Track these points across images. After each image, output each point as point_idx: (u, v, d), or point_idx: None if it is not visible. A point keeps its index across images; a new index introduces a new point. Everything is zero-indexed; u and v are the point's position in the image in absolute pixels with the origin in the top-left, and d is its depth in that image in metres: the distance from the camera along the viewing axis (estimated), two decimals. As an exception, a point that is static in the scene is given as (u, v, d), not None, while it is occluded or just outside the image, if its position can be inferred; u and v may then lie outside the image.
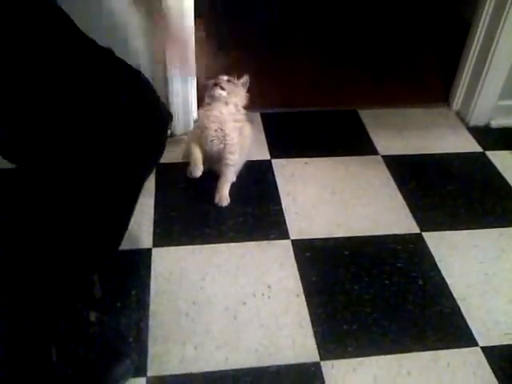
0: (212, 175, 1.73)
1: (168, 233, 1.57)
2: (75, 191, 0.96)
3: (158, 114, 1.10)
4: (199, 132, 1.64)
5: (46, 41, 0.97)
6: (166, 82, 1.81)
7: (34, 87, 0.93)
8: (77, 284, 1.24)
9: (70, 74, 0.97)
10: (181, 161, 1.80)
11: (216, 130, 1.61)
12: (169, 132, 1.17)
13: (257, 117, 2.06)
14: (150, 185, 1.72)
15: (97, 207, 0.99)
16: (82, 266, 1.12)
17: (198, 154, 1.64)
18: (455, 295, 1.42)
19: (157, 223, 1.59)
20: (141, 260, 1.48)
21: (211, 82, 1.62)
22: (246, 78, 1.61)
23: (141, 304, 1.36)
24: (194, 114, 1.93)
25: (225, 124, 1.61)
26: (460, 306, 1.40)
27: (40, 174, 0.95)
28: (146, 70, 1.78)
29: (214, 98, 1.61)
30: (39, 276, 1.09)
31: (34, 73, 0.94)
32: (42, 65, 0.95)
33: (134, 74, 1.08)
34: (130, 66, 1.08)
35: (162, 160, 1.88)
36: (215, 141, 1.62)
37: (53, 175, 0.95)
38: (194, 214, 1.64)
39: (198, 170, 1.63)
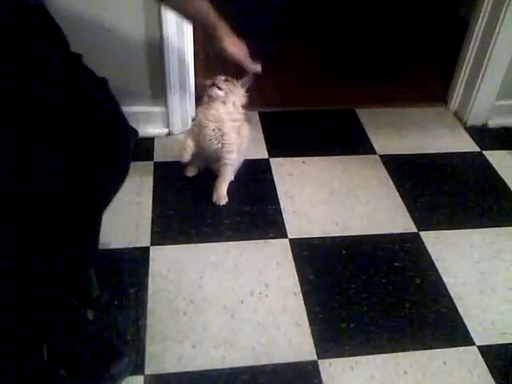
0: (209, 174, 1.73)
1: (166, 231, 1.57)
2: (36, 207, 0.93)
3: (122, 131, 1.07)
4: (197, 130, 1.64)
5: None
6: (164, 80, 1.81)
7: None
8: (70, 281, 1.24)
9: (28, 74, 0.92)
10: (178, 159, 1.80)
11: (214, 129, 1.61)
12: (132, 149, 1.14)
13: (255, 116, 2.06)
14: (147, 183, 1.72)
15: (61, 225, 0.98)
16: (67, 268, 1.10)
17: (189, 142, 1.64)
18: (452, 294, 1.43)
19: (154, 222, 1.59)
20: (138, 258, 1.48)
21: (209, 81, 1.61)
22: (246, 78, 1.61)
23: (138, 302, 1.36)
24: (192, 113, 1.93)
25: (223, 123, 1.61)
26: (457, 305, 1.40)
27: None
28: (144, 67, 1.79)
29: (211, 98, 1.61)
30: (34, 274, 1.09)
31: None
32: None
33: (99, 83, 1.04)
34: (94, 73, 1.04)
35: (160, 159, 1.90)
36: (213, 140, 1.62)
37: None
38: (192, 213, 1.64)
39: (187, 155, 1.64)
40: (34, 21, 0.95)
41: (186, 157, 1.65)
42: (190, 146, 1.64)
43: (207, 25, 1.39)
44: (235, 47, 1.45)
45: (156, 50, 1.75)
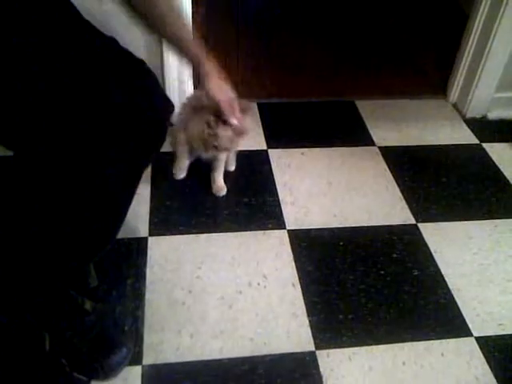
0: (206, 165, 1.72)
1: (164, 222, 1.56)
2: (73, 179, 0.96)
3: (160, 104, 1.09)
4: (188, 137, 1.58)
5: (47, 26, 0.97)
6: (162, 74, 1.80)
7: (34, 73, 0.92)
8: (73, 273, 1.24)
9: (72, 60, 0.96)
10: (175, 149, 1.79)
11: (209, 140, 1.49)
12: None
13: (254, 107, 2.05)
14: (146, 174, 1.70)
15: (94, 196, 0.99)
16: (78, 255, 1.11)
17: (183, 159, 1.68)
18: (450, 285, 1.43)
19: (153, 212, 1.59)
20: (137, 249, 1.47)
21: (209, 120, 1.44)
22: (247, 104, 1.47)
23: (137, 293, 1.36)
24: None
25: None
26: (455, 296, 1.41)
27: (38, 161, 0.95)
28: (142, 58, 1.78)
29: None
30: (34, 265, 1.09)
31: (35, 59, 0.93)
32: (43, 51, 0.94)
33: (137, 63, 1.07)
34: (132, 54, 1.07)
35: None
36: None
37: (51, 163, 0.94)
38: (190, 204, 1.63)
39: (182, 174, 1.70)
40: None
41: (181, 175, 1.70)
42: (183, 163, 1.68)
43: (188, 57, 1.22)
44: (219, 91, 1.28)
45: (155, 50, 1.74)
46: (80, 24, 1.06)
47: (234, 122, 1.33)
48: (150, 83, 1.08)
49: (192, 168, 1.75)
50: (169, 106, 1.14)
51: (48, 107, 0.92)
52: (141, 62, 1.08)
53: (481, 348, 1.29)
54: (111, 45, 1.07)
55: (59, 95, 0.93)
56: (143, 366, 1.21)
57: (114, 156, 0.97)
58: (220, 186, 1.66)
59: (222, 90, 1.28)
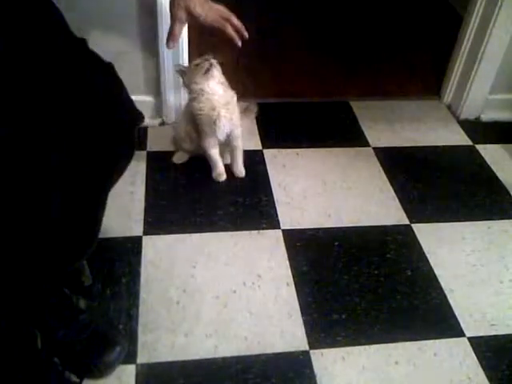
0: (202, 163, 1.72)
1: (158, 221, 1.56)
2: (40, 188, 0.92)
3: (125, 114, 1.06)
4: (203, 120, 1.60)
5: (9, 22, 0.91)
6: (158, 71, 1.80)
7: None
8: (64, 270, 1.23)
9: (34, 61, 0.92)
10: (172, 149, 1.80)
11: (225, 116, 1.59)
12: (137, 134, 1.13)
13: (255, 108, 2.04)
14: (140, 173, 1.72)
15: (65, 205, 0.95)
16: (60, 257, 1.09)
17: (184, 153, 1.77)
18: (443, 286, 1.44)
19: (147, 211, 1.59)
20: (131, 248, 1.47)
21: (203, 61, 1.55)
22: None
23: (131, 291, 1.36)
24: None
25: (230, 105, 1.60)
26: (448, 296, 1.41)
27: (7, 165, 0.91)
28: (138, 59, 1.78)
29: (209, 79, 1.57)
30: (25, 263, 1.08)
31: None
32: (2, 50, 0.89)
33: (105, 67, 1.03)
34: (100, 58, 1.03)
35: (153, 149, 1.90)
36: (226, 125, 1.61)
37: (17, 167, 0.90)
38: (185, 203, 1.63)
39: (183, 158, 1.77)
40: (35, 5, 0.95)
41: (182, 160, 1.75)
42: (184, 150, 1.73)
43: None
44: (210, 12, 1.27)
45: (150, 41, 1.74)
46: (48, 21, 0.99)
47: (236, 39, 1.34)
48: (116, 90, 1.04)
49: (186, 168, 1.76)
50: (136, 116, 1.11)
51: (5, 111, 0.87)
52: (109, 67, 1.04)
53: (473, 348, 1.30)
54: (78, 46, 1.02)
55: (18, 97, 0.88)
56: (137, 365, 1.21)
57: (79, 162, 0.94)
58: (242, 166, 1.74)
59: (213, 9, 1.28)
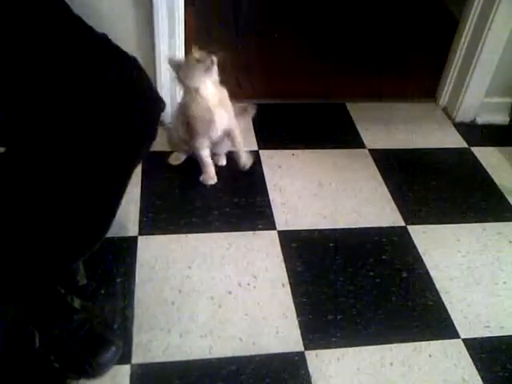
0: (197, 164, 1.72)
1: (154, 221, 1.56)
2: (62, 176, 0.95)
3: (152, 102, 1.09)
4: (197, 120, 1.60)
5: (37, 22, 0.96)
6: (154, 71, 1.79)
7: (22, 70, 0.92)
8: (62, 271, 1.23)
9: (61, 57, 0.96)
10: (168, 150, 1.79)
11: (223, 116, 1.59)
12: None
13: (253, 109, 2.04)
14: (136, 173, 1.70)
15: (84, 194, 0.98)
16: (68, 253, 1.11)
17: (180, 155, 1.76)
18: (438, 288, 1.44)
19: (143, 211, 1.58)
20: (126, 248, 1.47)
21: (206, 56, 1.53)
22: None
23: (126, 292, 1.35)
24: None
25: (226, 106, 1.60)
26: (443, 298, 1.42)
27: (28, 157, 0.94)
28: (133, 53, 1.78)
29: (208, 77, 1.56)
30: (22, 262, 1.08)
31: (24, 54, 0.92)
32: (32, 46, 0.93)
33: (129, 61, 1.06)
34: (124, 52, 1.07)
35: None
36: (223, 126, 1.62)
37: (40, 159, 0.94)
38: (180, 203, 1.63)
39: (177, 161, 1.76)
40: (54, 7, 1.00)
41: (178, 161, 1.75)
42: (178, 153, 1.74)
43: None
44: None
45: (146, 42, 1.74)
46: (70, 19, 1.05)
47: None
48: (141, 81, 1.07)
49: (182, 168, 1.76)
50: (160, 104, 1.13)
51: (37, 104, 0.91)
52: (133, 59, 1.07)
53: (468, 350, 1.30)
54: (102, 41, 1.06)
55: (49, 92, 0.92)
56: (132, 365, 1.21)
57: (103, 154, 0.97)
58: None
59: None
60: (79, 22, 1.06)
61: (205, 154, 1.67)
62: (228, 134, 1.67)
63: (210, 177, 1.69)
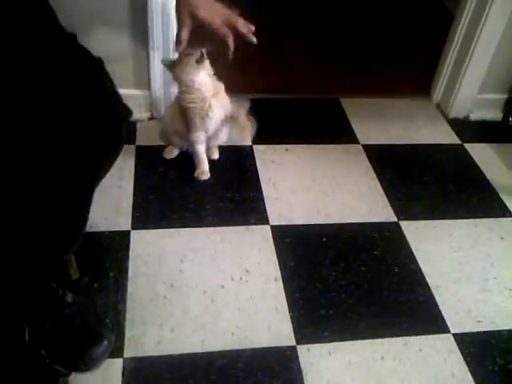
0: (190, 159, 1.72)
1: (147, 215, 1.56)
2: (28, 182, 0.92)
3: (116, 108, 1.07)
4: (194, 113, 1.60)
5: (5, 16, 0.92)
6: (148, 64, 1.79)
7: None
8: (52, 264, 1.23)
9: (22, 56, 0.93)
10: (161, 144, 1.79)
11: (216, 106, 1.60)
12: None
13: (247, 103, 2.04)
14: (129, 167, 1.71)
15: (51, 199, 0.95)
16: (43, 254, 1.09)
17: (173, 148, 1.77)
18: (429, 283, 1.45)
19: (135, 206, 1.58)
20: (119, 242, 1.47)
21: (194, 51, 1.52)
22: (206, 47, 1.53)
23: (118, 286, 1.36)
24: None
25: (221, 96, 1.62)
26: (434, 293, 1.43)
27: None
28: (128, 53, 1.77)
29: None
30: (13, 256, 1.08)
31: None
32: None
33: (95, 63, 1.03)
34: (90, 53, 1.03)
35: (142, 143, 1.89)
36: (218, 116, 1.63)
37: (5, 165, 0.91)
38: (173, 198, 1.63)
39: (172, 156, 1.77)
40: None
41: (172, 155, 1.75)
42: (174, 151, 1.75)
43: None
44: (216, 16, 1.19)
45: (140, 36, 1.73)
46: (37, 14, 1.00)
47: (231, 44, 1.25)
48: (104, 85, 1.04)
49: (175, 163, 1.75)
50: (124, 111, 1.11)
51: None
52: (98, 62, 1.04)
53: (458, 344, 1.31)
54: (68, 41, 1.02)
55: (5, 94, 0.89)
56: (124, 359, 1.21)
57: (66, 156, 0.94)
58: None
59: (216, 12, 1.19)
60: (47, 18, 1.02)
61: (201, 149, 1.68)
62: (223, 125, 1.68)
63: (204, 172, 1.69)
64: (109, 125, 1.02)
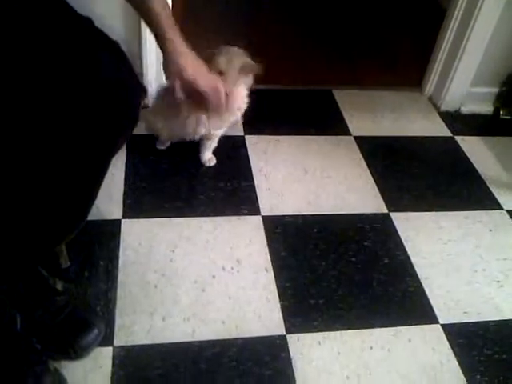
0: (183, 148, 1.71)
1: (138, 204, 1.56)
2: (41, 161, 0.94)
3: (132, 88, 1.08)
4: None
5: (18, 4, 0.94)
6: (140, 54, 1.78)
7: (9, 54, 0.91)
8: (43, 254, 1.23)
9: (42, 40, 0.94)
10: (153, 133, 1.78)
11: None
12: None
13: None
14: (120, 155, 1.70)
15: (63, 179, 0.97)
16: (48, 236, 1.10)
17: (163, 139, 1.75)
18: (419, 274, 1.46)
19: (127, 194, 1.58)
20: (110, 231, 1.47)
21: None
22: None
23: (109, 274, 1.35)
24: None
25: None
26: (423, 284, 1.44)
27: (6, 142, 0.93)
28: (120, 40, 1.75)
29: None
30: (4, 244, 1.07)
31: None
32: (11, 30, 0.91)
33: (112, 45, 1.05)
34: (107, 36, 1.05)
35: (135, 131, 1.86)
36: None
37: (19, 144, 0.92)
38: (165, 187, 1.63)
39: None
40: None
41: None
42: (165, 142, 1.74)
43: (155, 29, 1.20)
44: (199, 75, 1.23)
45: (134, 29, 1.72)
46: (53, 2, 1.03)
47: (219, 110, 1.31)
48: (122, 65, 1.06)
49: (168, 151, 1.75)
50: (141, 89, 1.12)
51: (16, 87, 0.90)
52: (115, 44, 1.06)
53: (446, 335, 1.33)
54: (85, 25, 1.05)
55: (27, 74, 0.91)
56: (114, 347, 1.21)
57: (84, 138, 0.96)
58: (209, 157, 1.73)
59: (201, 72, 1.24)
60: (63, 4, 1.05)
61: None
62: None
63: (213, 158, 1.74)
64: (125, 102, 1.04)
